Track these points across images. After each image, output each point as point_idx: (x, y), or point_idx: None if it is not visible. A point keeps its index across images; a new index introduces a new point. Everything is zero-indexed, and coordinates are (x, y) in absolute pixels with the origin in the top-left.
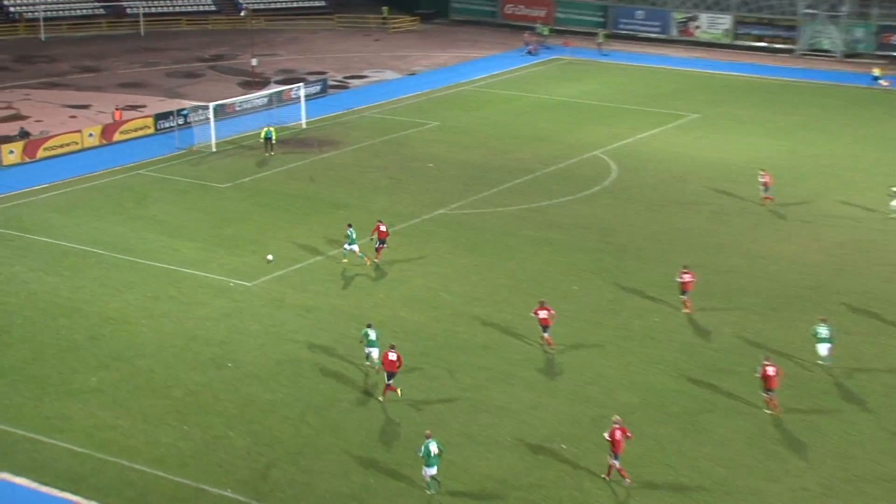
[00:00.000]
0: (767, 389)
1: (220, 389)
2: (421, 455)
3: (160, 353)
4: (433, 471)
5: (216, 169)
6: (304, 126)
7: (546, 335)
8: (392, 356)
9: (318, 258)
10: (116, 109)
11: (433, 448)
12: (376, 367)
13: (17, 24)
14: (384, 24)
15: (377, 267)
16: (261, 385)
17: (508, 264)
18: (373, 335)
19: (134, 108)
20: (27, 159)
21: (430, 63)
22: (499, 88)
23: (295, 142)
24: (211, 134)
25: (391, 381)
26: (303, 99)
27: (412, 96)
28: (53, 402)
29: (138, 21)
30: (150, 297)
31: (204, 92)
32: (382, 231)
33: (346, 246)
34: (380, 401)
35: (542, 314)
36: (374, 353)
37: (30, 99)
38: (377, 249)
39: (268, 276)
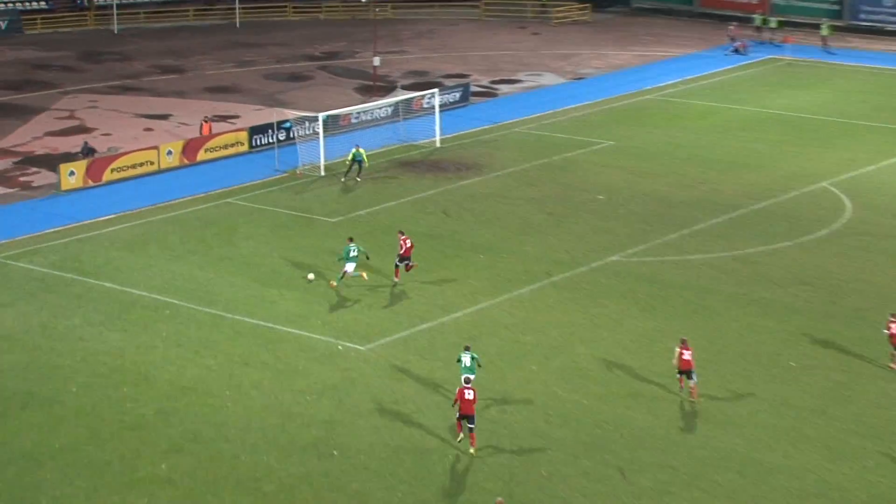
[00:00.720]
0: None
1: (323, 485)
2: None
3: (247, 436)
4: None
5: (325, 198)
6: (437, 144)
7: (691, 382)
8: (468, 394)
9: (453, 315)
10: (205, 122)
11: None
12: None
13: (86, 13)
14: (544, 13)
15: (395, 284)
16: (375, 480)
17: (702, 330)
18: (467, 360)
19: (224, 118)
20: (91, 183)
21: (603, 64)
22: (693, 98)
23: (426, 165)
24: (320, 153)
25: (473, 427)
26: (437, 109)
27: (579, 107)
28: (112, 496)
29: (233, 9)
30: (237, 362)
31: (312, 99)
32: (407, 246)
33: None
34: (472, 453)
35: (687, 355)
36: (470, 379)
37: (96, 106)
38: (406, 267)
39: (387, 338)
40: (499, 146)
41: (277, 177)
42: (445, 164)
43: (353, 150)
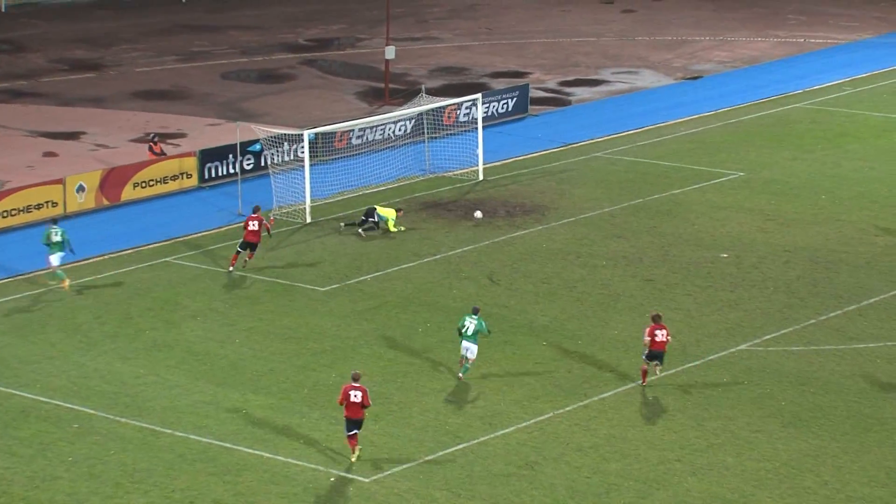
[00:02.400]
0: None
1: None
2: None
3: None
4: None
5: (312, 255)
6: (480, 177)
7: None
8: (355, 396)
9: (501, 432)
10: (153, 143)
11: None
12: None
13: None
14: None
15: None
16: None
17: (875, 456)
18: (471, 326)
19: (163, 138)
20: None
21: (729, 57)
22: (866, 107)
23: (464, 207)
24: (304, 189)
25: (352, 433)
26: (480, 124)
27: (692, 121)
28: None
29: None
30: (179, 501)
31: (294, 109)
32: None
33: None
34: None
35: (661, 336)
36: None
37: None
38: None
39: (402, 466)
40: (572, 180)
41: (240, 224)
42: (492, 207)
43: (380, 209)
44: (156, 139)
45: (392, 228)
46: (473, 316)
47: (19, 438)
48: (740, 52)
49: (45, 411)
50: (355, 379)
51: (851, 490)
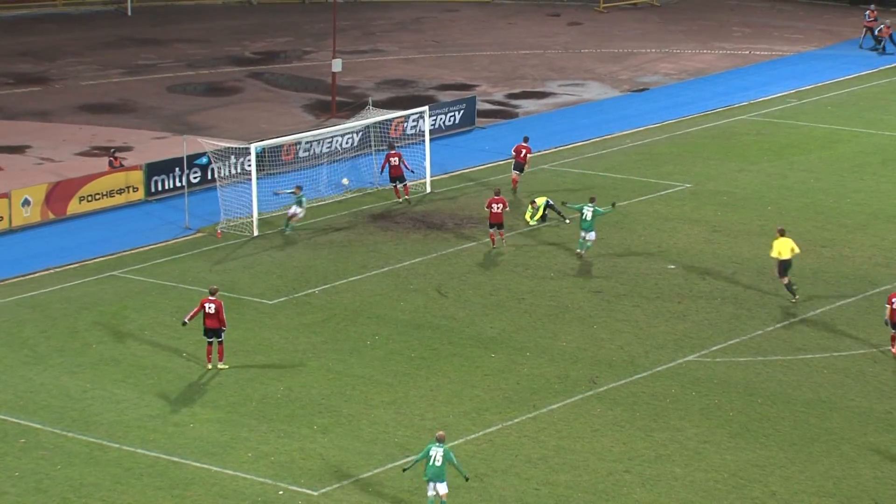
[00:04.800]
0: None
1: None
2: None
3: None
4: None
5: (260, 268)
6: (427, 189)
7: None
8: (210, 308)
9: (450, 444)
10: (114, 158)
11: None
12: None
13: None
14: None
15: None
16: None
17: (822, 466)
18: (438, 458)
19: (107, 151)
20: None
21: (674, 68)
22: (810, 118)
23: (411, 219)
24: (252, 203)
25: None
26: (427, 137)
27: (639, 133)
28: None
29: None
30: None
31: (240, 122)
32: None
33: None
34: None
35: (496, 207)
36: (438, 487)
37: None
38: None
39: (350, 479)
40: (519, 191)
41: (187, 237)
42: (439, 219)
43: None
44: (116, 154)
45: (532, 216)
46: (439, 445)
47: None
48: (686, 65)
49: None
50: (212, 293)
51: (799, 500)
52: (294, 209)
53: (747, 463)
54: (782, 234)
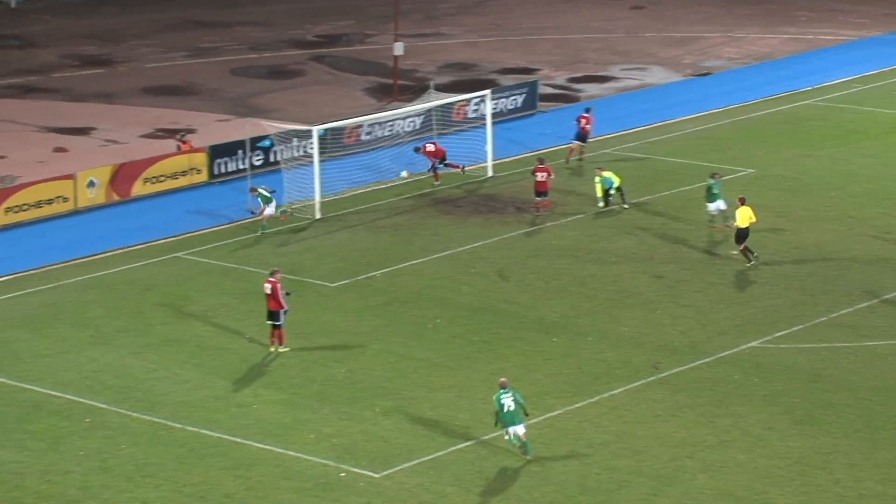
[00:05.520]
0: None
1: None
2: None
3: None
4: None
5: (322, 251)
6: (489, 173)
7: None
8: (266, 287)
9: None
10: (182, 142)
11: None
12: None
13: None
14: None
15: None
16: None
17: (891, 454)
18: (510, 402)
19: (172, 133)
20: None
21: (738, 53)
22: (875, 104)
23: (473, 203)
24: (314, 185)
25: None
26: (489, 121)
27: (702, 118)
28: None
29: None
30: (190, 494)
31: (303, 105)
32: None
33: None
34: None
35: (540, 175)
36: (517, 430)
37: None
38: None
39: (412, 461)
40: (581, 176)
41: (250, 220)
42: (501, 203)
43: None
44: (184, 137)
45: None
46: (507, 392)
47: (31, 432)
48: (750, 49)
49: (57, 405)
50: (271, 274)
51: (864, 488)
52: (267, 208)
53: (811, 450)
54: (743, 202)
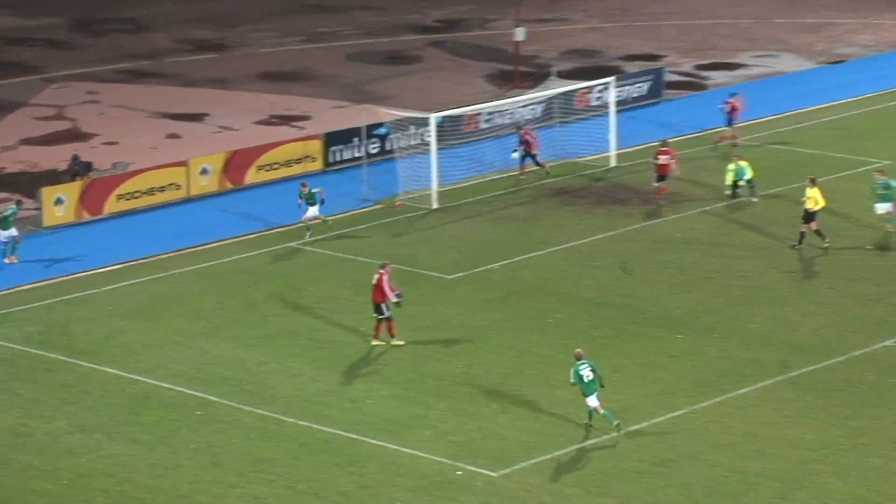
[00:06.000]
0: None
1: None
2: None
3: None
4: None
5: (439, 243)
6: (612, 163)
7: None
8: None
9: (634, 427)
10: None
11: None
12: None
13: None
14: None
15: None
16: None
17: None
18: (588, 373)
19: (287, 121)
20: (87, 216)
21: (873, 40)
22: None
23: (595, 193)
24: (431, 174)
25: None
26: (613, 109)
27: (834, 106)
28: None
29: None
30: (302, 491)
31: (421, 92)
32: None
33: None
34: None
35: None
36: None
37: (96, 101)
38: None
39: (531, 460)
40: (707, 167)
41: (366, 209)
42: (624, 194)
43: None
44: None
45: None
46: (584, 363)
47: (142, 425)
48: (885, 36)
49: (167, 398)
50: (382, 266)
51: None
52: (310, 210)
53: None
54: (814, 183)
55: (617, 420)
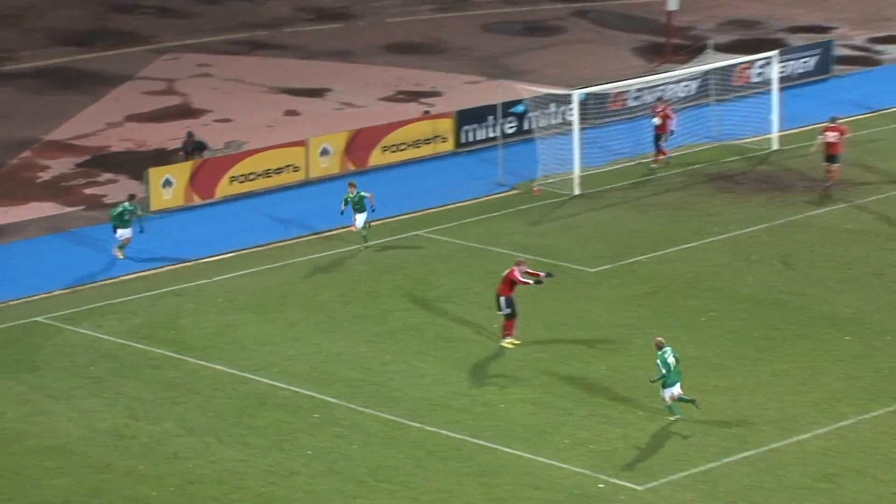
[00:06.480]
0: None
1: None
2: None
3: None
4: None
5: (581, 232)
6: (774, 145)
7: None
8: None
9: (797, 438)
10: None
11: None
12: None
13: None
14: None
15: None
16: None
17: None
18: (672, 360)
19: (416, 97)
20: (197, 199)
21: None
22: None
23: (754, 179)
24: (573, 156)
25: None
26: (776, 86)
27: None
28: None
29: None
30: (428, 503)
31: (562, 66)
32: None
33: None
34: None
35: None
36: (673, 391)
37: (209, 74)
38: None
39: (680, 473)
40: (881, 151)
41: (501, 194)
42: (787, 180)
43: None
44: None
45: None
46: (667, 349)
47: (254, 428)
48: None
49: (282, 398)
50: (517, 264)
51: None
52: (358, 218)
53: None
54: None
55: (680, 414)
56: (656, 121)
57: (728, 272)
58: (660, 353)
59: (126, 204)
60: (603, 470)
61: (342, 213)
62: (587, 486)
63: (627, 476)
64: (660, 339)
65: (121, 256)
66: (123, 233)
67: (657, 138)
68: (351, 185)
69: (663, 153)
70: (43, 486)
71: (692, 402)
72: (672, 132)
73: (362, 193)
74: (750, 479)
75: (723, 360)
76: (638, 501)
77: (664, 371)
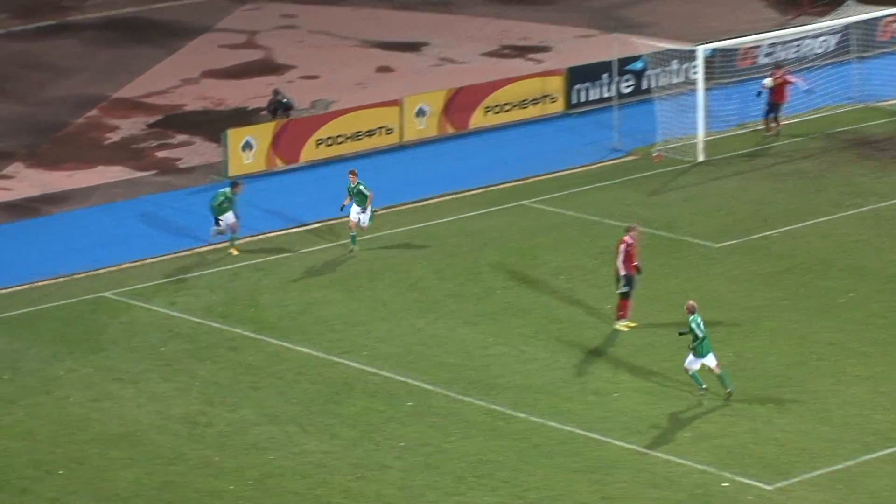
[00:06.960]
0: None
1: None
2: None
3: None
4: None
5: (705, 203)
6: None
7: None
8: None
9: None
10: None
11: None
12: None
13: None
14: None
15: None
16: None
17: None
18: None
19: (522, 52)
20: (281, 164)
21: None
22: None
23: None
24: (697, 119)
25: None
26: None
27: None
28: None
29: None
30: (534, 501)
31: (685, 19)
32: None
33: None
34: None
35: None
36: (706, 361)
37: (293, 25)
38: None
39: (816, 471)
40: None
41: (616, 161)
42: None
43: None
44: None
45: None
46: (696, 316)
47: (342, 417)
48: None
49: (372, 385)
50: (628, 231)
51: None
52: (362, 215)
53: None
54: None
55: (733, 388)
56: (767, 81)
57: (870, 249)
58: (691, 317)
59: (227, 191)
60: (729, 467)
61: (342, 208)
62: (710, 485)
63: (755, 474)
64: (691, 302)
65: (235, 252)
66: (227, 217)
67: (771, 106)
68: (352, 173)
69: (777, 122)
70: (109, 477)
71: (704, 387)
72: (790, 98)
73: (361, 187)
74: (893, 479)
75: (863, 346)
76: (767, 502)
77: (699, 335)
